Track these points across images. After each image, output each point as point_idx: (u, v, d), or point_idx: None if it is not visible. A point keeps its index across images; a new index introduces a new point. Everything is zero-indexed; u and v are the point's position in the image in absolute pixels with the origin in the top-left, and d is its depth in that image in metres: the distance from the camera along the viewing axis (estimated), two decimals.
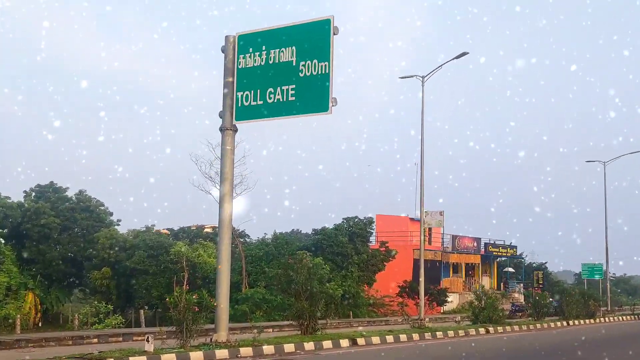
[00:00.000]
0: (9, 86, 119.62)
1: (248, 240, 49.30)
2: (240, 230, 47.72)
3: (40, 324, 39.93)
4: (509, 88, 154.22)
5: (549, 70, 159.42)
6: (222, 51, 20.69)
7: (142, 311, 35.33)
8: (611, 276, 63.78)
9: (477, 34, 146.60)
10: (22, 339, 22.27)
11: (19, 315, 31.36)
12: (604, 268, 58.07)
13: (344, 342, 22.27)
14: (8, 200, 44.18)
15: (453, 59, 31.21)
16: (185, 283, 38.30)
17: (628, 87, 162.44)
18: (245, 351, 18.75)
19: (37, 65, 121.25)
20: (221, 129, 20.49)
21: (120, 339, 24.12)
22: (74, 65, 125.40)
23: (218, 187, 21.15)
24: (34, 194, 46.38)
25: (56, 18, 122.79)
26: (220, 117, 20.48)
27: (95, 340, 23.59)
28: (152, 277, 41.99)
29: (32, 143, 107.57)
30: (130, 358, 16.29)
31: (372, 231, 47.47)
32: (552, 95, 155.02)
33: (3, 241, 42.20)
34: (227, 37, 20.60)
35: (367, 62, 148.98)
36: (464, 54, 31.02)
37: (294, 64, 19.37)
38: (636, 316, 50.74)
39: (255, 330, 21.89)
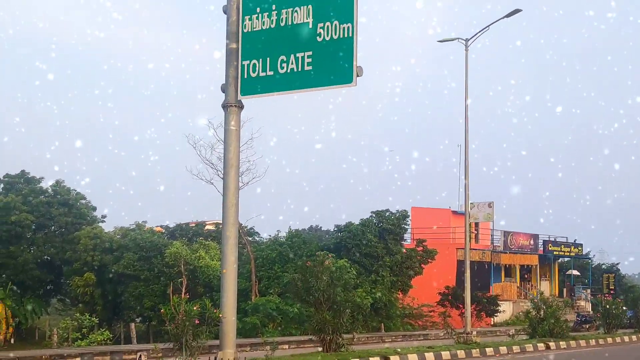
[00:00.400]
0: None
1: (258, 239, 49.51)
2: (248, 228, 47.94)
3: (12, 341, 40.39)
4: (572, 58, 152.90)
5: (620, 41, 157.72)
6: (224, 12, 20.64)
7: (132, 325, 35.61)
8: None
9: None
10: None
11: None
12: None
13: None
14: None
15: (503, 17, 31.00)
16: (183, 291, 38.61)
17: None
18: None
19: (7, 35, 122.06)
20: (224, 106, 20.48)
21: (108, 357, 24.25)
22: (45, 32, 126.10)
23: (221, 176, 21.22)
24: (2, 185, 46.85)
25: None
26: (223, 92, 20.46)
27: (78, 359, 23.76)
28: (145, 284, 42.31)
29: None
30: None
31: (407, 227, 47.45)
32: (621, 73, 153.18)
33: None
34: None
35: (398, 23, 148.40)
36: (516, 11, 30.79)
37: (310, 27, 19.31)
38: None
39: (268, 347, 21.98)
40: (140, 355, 17.99)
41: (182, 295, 34.14)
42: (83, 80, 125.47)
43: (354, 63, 18.63)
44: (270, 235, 48.32)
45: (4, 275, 44.07)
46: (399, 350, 24.87)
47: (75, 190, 48.53)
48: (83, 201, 48.62)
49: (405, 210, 47.02)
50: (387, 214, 45.30)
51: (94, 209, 49.58)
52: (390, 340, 34.56)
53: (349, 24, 18.84)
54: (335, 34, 18.96)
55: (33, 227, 45.02)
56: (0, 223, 43.94)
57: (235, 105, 20.40)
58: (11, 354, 24.45)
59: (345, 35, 18.86)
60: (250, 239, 46.21)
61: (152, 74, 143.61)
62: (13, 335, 41.30)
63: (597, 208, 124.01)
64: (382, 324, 40.98)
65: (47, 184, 47.45)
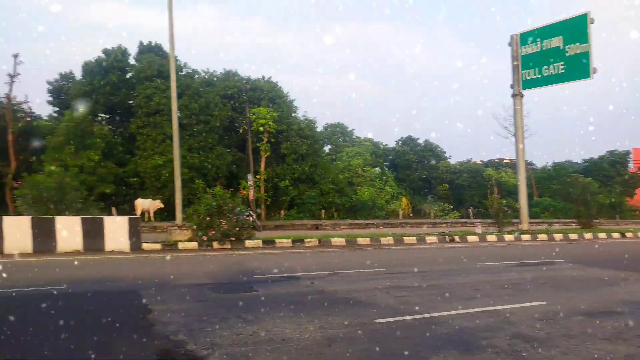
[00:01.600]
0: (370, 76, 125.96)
1: (533, 167, 45.62)
2: (529, 161, 44.26)
3: (411, 215, 42.36)
4: None
5: None
6: (509, 45, 19.59)
7: (470, 209, 35.58)
8: None
9: None
10: (403, 222, 24.67)
11: (400, 210, 33.93)
12: None
13: (615, 235, 19.66)
14: (388, 146, 47.64)
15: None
16: (495, 193, 37.30)
17: None
18: (542, 237, 17.91)
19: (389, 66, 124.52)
20: (512, 96, 19.55)
21: (459, 225, 24.85)
22: (415, 66, 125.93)
23: (513, 134, 20.21)
24: (400, 142, 48.87)
25: (405, 41, 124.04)
26: (511, 88, 19.55)
27: (444, 225, 24.83)
28: (474, 190, 41.89)
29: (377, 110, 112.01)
30: (468, 237, 16.81)
31: (630, 160, 40.22)
32: None
33: (387, 169, 45.43)
34: (512, 36, 19.51)
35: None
36: None
37: (561, 48, 17.79)
38: None
39: (546, 224, 20.70)
40: (477, 224, 18.26)
41: (495, 195, 33.07)
42: (434, 85, 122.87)
43: (591, 66, 16.84)
44: (542, 166, 44.38)
45: (404, 184, 45.32)
46: (631, 229, 21.48)
47: (436, 144, 48.48)
48: (439, 149, 48.38)
49: (628, 150, 39.95)
50: (616, 152, 39.16)
51: (444, 152, 49.07)
52: (624, 224, 29.72)
53: (586, 44, 17.05)
54: (577, 50, 17.32)
55: (416, 161, 45.72)
56: (401, 160, 45.13)
57: (519, 95, 19.38)
58: (412, 221, 26.04)
59: (584, 51, 17.05)
60: (530, 167, 42.71)
61: (471, 79, 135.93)
62: (411, 212, 42.13)
63: None
64: (617, 216, 35.26)
65: (421, 140, 48.09)
